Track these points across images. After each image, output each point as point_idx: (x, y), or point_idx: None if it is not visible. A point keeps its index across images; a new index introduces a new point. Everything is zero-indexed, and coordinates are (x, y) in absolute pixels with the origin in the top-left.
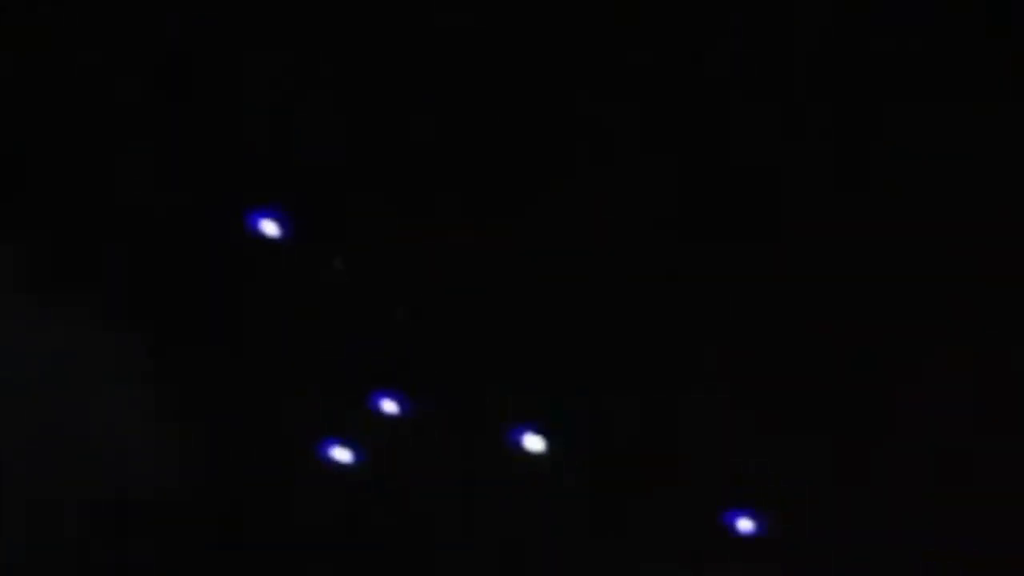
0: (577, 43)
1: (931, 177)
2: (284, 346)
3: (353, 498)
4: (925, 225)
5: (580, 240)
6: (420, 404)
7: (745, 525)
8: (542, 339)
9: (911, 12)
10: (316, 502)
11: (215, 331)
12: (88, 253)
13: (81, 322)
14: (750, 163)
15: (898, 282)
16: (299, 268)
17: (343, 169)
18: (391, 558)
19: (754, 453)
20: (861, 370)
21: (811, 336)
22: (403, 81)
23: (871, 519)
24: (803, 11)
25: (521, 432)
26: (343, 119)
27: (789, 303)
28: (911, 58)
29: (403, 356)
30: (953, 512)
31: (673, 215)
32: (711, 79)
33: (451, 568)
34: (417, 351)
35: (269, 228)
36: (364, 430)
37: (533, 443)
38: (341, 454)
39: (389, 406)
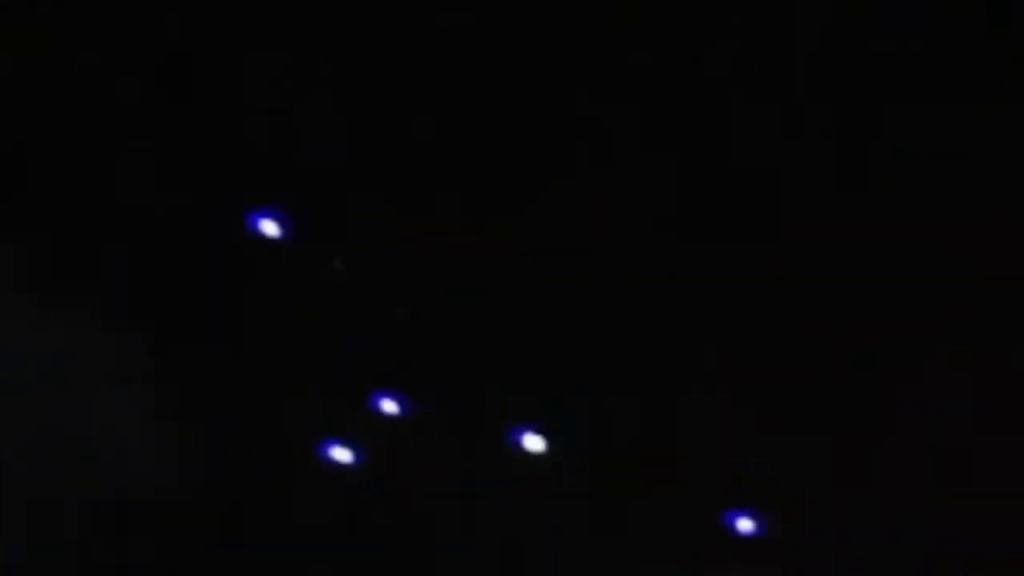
0: (577, 43)
1: (931, 177)
2: (284, 346)
3: (353, 498)
4: (925, 225)
5: (580, 240)
6: (420, 404)
7: (745, 525)
8: (542, 339)
9: (911, 12)
10: (316, 502)
11: (215, 331)
12: (88, 253)
13: (81, 322)
14: (750, 163)
15: (898, 282)
16: (299, 268)
17: (343, 169)
18: (391, 558)
19: (754, 453)
20: (861, 370)
21: (811, 336)
22: (403, 81)
23: (871, 519)
24: (803, 11)
25: (521, 432)
26: (343, 119)
27: (789, 303)
28: (911, 58)
29: (403, 356)
30: (953, 512)
31: (673, 215)
32: (711, 79)
33: (451, 568)
34: (417, 351)
35: (269, 228)
36: (364, 430)
37: (533, 443)
38: (341, 454)
39: (389, 406)
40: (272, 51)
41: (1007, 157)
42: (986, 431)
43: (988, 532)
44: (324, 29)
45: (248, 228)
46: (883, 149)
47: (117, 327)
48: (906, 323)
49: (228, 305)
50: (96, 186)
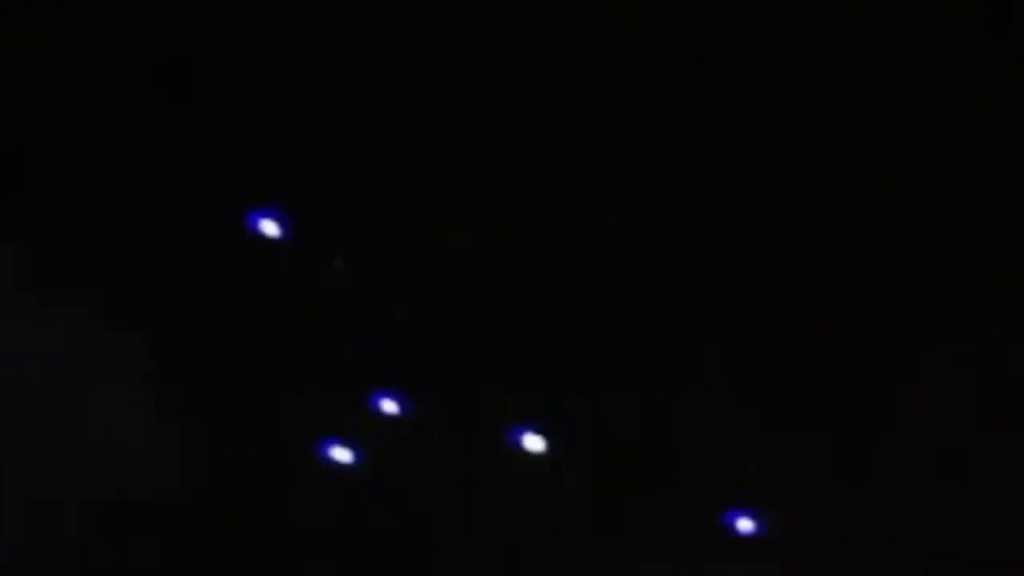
0: (577, 43)
1: (931, 177)
2: (284, 346)
3: (353, 498)
4: (925, 225)
5: (580, 240)
6: (420, 404)
7: (745, 525)
8: (542, 339)
9: (911, 12)
10: (316, 502)
11: (215, 331)
12: (88, 253)
13: (81, 322)
14: (750, 163)
15: (898, 282)
16: (299, 268)
17: (343, 169)
18: (391, 558)
19: (754, 453)
20: (861, 370)
21: (811, 336)
22: (403, 81)
23: (871, 519)
24: (803, 11)
25: (521, 432)
26: (343, 119)
27: (789, 303)
28: (911, 58)
29: (403, 356)
30: (953, 512)
31: (673, 215)
32: (711, 79)
33: (451, 568)
34: (417, 351)
35: (269, 228)
36: (364, 430)
37: (533, 443)
38: (341, 454)
39: (389, 406)
40: (272, 51)
41: (1007, 157)
42: (986, 431)
43: (988, 532)
44: (324, 29)
45: (248, 228)
46: (883, 149)
47: (117, 327)
48: (906, 323)
49: (228, 305)
50: (96, 186)
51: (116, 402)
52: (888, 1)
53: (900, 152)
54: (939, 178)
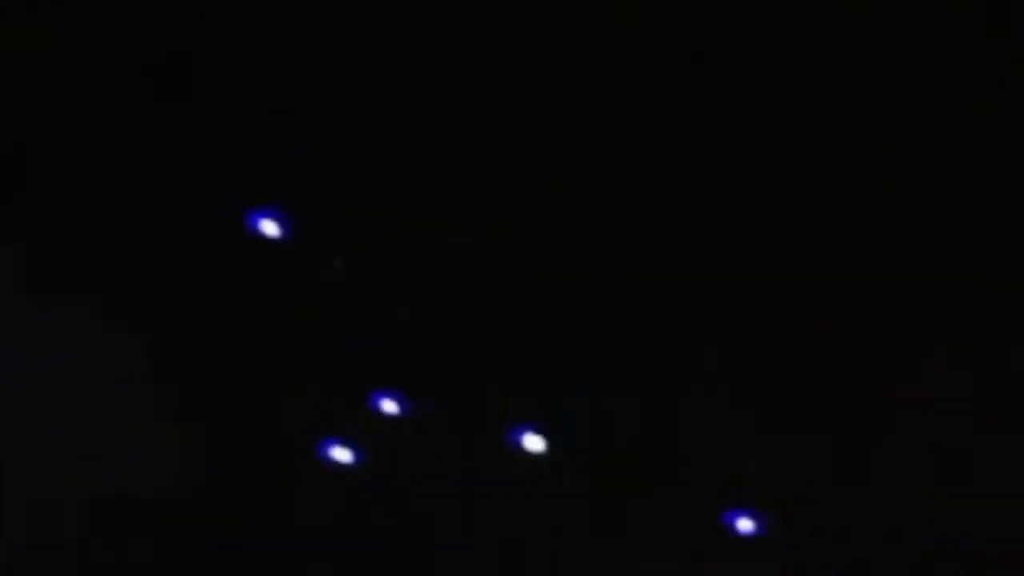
0: (577, 43)
1: (931, 177)
2: (284, 346)
3: (353, 498)
4: (925, 225)
5: (580, 240)
6: (420, 404)
7: (745, 525)
8: (542, 339)
9: (911, 12)
10: (316, 502)
11: (215, 331)
12: (88, 253)
13: (81, 322)
14: (750, 163)
15: (898, 282)
16: (299, 268)
17: (343, 169)
18: (391, 558)
19: (754, 453)
20: (861, 370)
21: (811, 336)
22: (403, 81)
23: (871, 519)
24: (803, 11)
25: (521, 432)
26: (343, 119)
27: (789, 303)
28: (911, 58)
29: (403, 356)
30: (953, 512)
31: (673, 215)
32: (711, 79)
33: (451, 568)
34: (417, 351)
35: (269, 228)
36: (364, 430)
37: (533, 443)
38: (341, 454)
39: (389, 406)
40: (272, 51)
41: (1007, 157)
42: (986, 431)
43: (988, 532)
44: (324, 29)
45: (248, 228)
46: (883, 149)
47: (117, 327)
48: (906, 323)
49: (228, 305)
50: (96, 186)
51: (116, 402)
52: (888, 1)
53: (900, 152)
54: (939, 178)
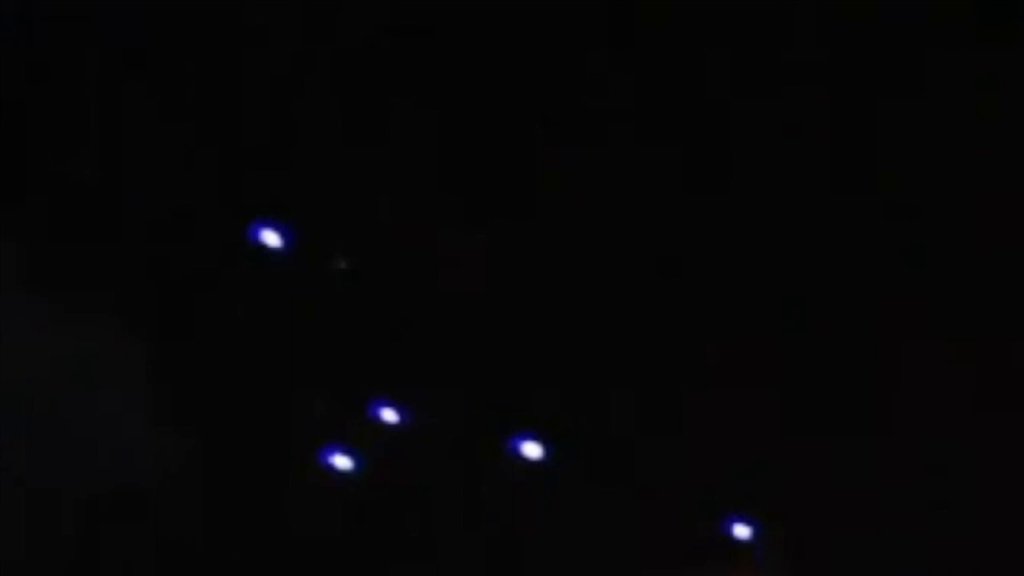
0: (577, 43)
1: (931, 177)
2: (285, 352)
3: (352, 505)
4: (925, 225)
5: (580, 240)
6: (420, 411)
7: (743, 529)
8: (542, 339)
9: (911, 12)
10: (315, 509)
11: (215, 336)
12: (91, 254)
13: (83, 324)
14: (750, 163)
15: (898, 282)
16: (300, 271)
17: (343, 169)
18: (390, 564)
19: (754, 454)
20: (861, 370)
21: (811, 336)
22: (403, 81)
23: (871, 519)
24: (803, 11)
25: (521, 438)
26: (343, 119)
27: (789, 303)
28: (911, 58)
29: (403, 363)
30: (953, 512)
31: (673, 215)
32: (711, 79)
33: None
34: (417, 357)
35: (270, 232)
36: (364, 438)
37: (532, 449)
38: (341, 461)
39: (389, 414)
40: (272, 51)
41: (1007, 157)
42: (987, 432)
43: (988, 532)
44: (324, 29)
45: (250, 231)
46: (883, 149)
47: (118, 330)
48: (906, 323)
49: (229, 309)
50: (97, 186)
51: (117, 404)
52: (888, 1)
53: (900, 152)
54: (939, 178)
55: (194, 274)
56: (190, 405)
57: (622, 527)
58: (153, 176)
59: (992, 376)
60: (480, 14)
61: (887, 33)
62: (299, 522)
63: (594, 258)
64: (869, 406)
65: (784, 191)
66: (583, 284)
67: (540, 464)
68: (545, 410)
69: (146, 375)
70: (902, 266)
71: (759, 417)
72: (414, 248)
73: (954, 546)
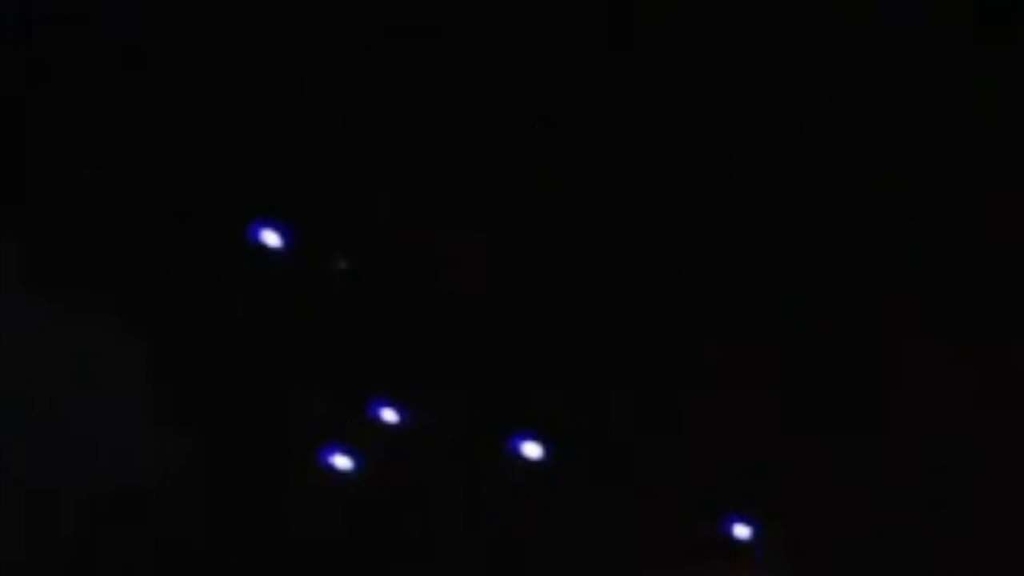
0: (577, 43)
1: (931, 177)
2: (285, 352)
3: (352, 506)
4: (925, 225)
5: (580, 240)
6: (420, 411)
7: (743, 529)
8: (542, 339)
9: (911, 12)
10: (315, 509)
11: (215, 336)
12: (91, 254)
13: (83, 324)
14: (750, 163)
15: (898, 282)
16: (300, 271)
17: (343, 169)
18: (390, 564)
19: (754, 454)
20: (861, 370)
21: (811, 336)
22: (403, 81)
23: (871, 519)
24: (803, 11)
25: (521, 438)
26: (343, 119)
27: (789, 303)
28: (911, 58)
29: (403, 363)
30: (953, 512)
31: (673, 215)
32: (711, 79)
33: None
34: (417, 357)
35: (270, 233)
36: (364, 438)
37: (532, 450)
38: (341, 462)
39: (389, 414)
40: (272, 51)
41: (1008, 156)
42: (988, 432)
43: (988, 532)
44: (324, 29)
45: (250, 232)
46: (883, 149)
47: (118, 330)
48: (906, 323)
49: (229, 309)
50: (98, 187)
51: (116, 407)
52: (888, 1)
53: (900, 152)
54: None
55: (194, 274)
56: (190, 405)
57: (622, 527)
58: (153, 176)
59: (992, 376)
60: (480, 14)
61: (887, 33)
62: (299, 522)
63: (594, 258)
64: (869, 406)
65: (784, 191)
66: (583, 284)
67: (540, 464)
68: (545, 410)
69: (146, 375)
70: (902, 266)
71: (759, 417)
72: (414, 248)
73: (954, 546)
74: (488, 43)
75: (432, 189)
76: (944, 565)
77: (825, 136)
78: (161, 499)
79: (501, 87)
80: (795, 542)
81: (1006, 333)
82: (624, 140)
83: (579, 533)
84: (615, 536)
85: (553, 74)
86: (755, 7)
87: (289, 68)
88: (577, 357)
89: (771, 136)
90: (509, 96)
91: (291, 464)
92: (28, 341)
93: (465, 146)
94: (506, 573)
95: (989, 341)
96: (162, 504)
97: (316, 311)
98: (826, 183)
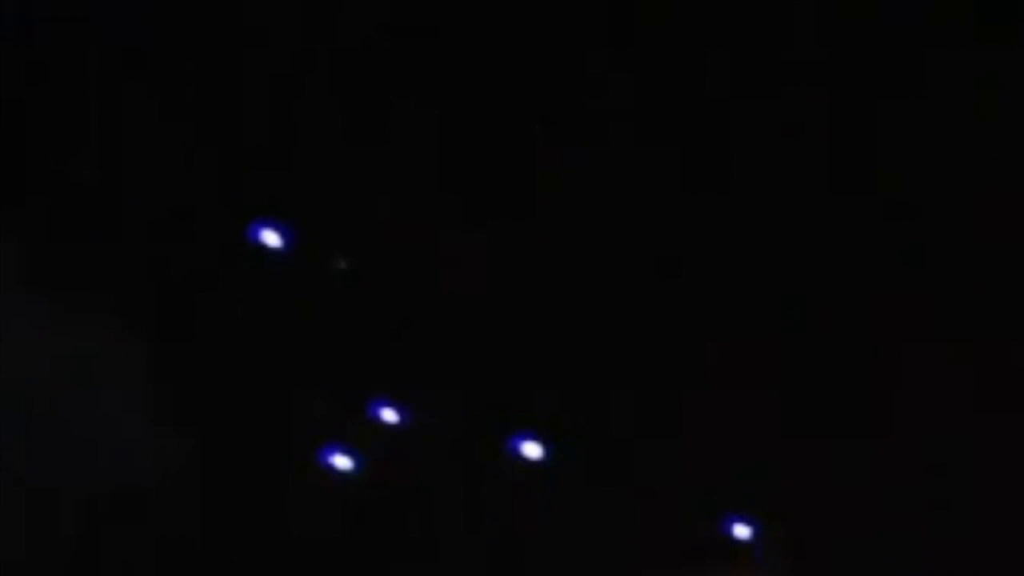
0: (577, 43)
1: (931, 177)
2: (284, 352)
3: (352, 506)
4: (925, 225)
5: (580, 240)
6: (420, 411)
7: (743, 529)
8: (542, 339)
9: (911, 12)
10: (315, 509)
11: (215, 336)
12: (91, 254)
13: (83, 324)
14: (750, 163)
15: (898, 282)
16: (300, 271)
17: (343, 169)
18: (390, 564)
19: (754, 454)
20: (861, 370)
21: (811, 336)
22: (403, 81)
23: (871, 519)
24: (803, 11)
25: (521, 438)
26: (343, 119)
27: (789, 303)
28: (911, 58)
29: (403, 363)
30: (953, 512)
31: (673, 215)
32: (711, 79)
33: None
34: (417, 357)
35: (270, 233)
36: (364, 438)
37: (532, 450)
38: (341, 462)
39: (389, 414)
40: (272, 51)
41: (1007, 157)
42: (987, 432)
43: (988, 532)
44: (324, 29)
45: (250, 232)
46: (883, 149)
47: (118, 330)
48: (907, 324)
49: (229, 309)
50: (98, 188)
51: (116, 407)
52: (888, 1)
53: (900, 152)
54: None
55: (194, 274)
56: (190, 405)
57: (622, 527)
58: (153, 176)
59: (992, 376)
60: (480, 14)
61: (887, 33)
62: (299, 522)
63: (594, 258)
64: (869, 406)
65: (784, 191)
66: (583, 284)
67: (540, 464)
68: (545, 410)
69: (146, 375)
70: (902, 266)
71: (759, 417)
72: (414, 248)
73: (954, 546)
74: (488, 43)
75: (432, 189)
76: (944, 565)
77: (825, 136)
78: (161, 499)
79: (501, 87)
80: (795, 542)
81: (1006, 333)
82: (624, 140)
83: (579, 533)
84: (615, 536)
85: (553, 74)
86: (755, 7)
87: (289, 68)
88: (577, 357)
89: (771, 136)
90: (509, 96)
91: (291, 464)
92: (28, 341)
93: (465, 146)
94: (506, 573)
95: (989, 341)
96: (162, 504)
97: (316, 311)
98: (826, 183)
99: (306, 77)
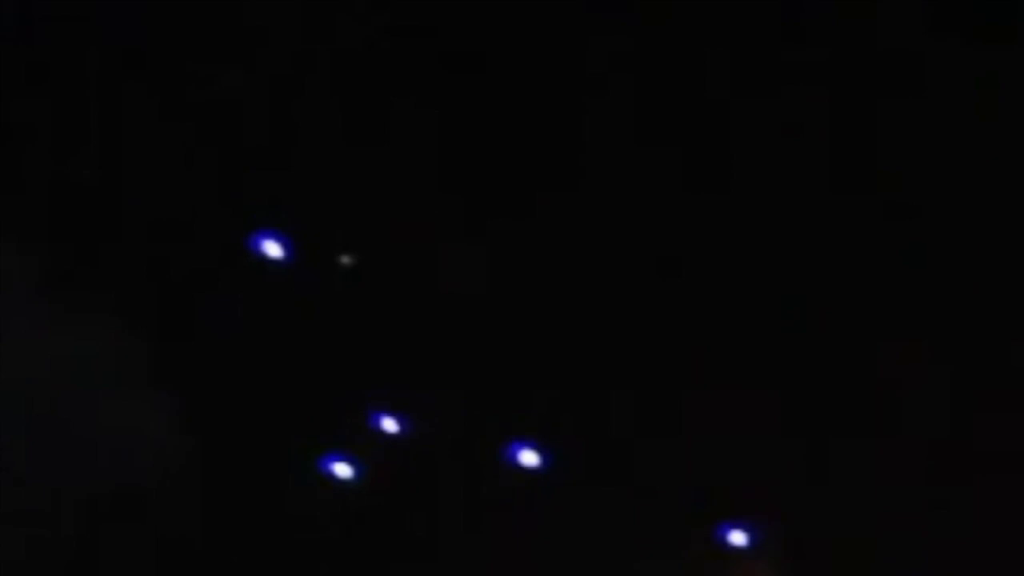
0: (577, 42)
1: (931, 177)
2: (285, 353)
3: (352, 506)
4: (925, 225)
5: (580, 241)
6: (419, 415)
7: (743, 530)
8: (542, 341)
9: (911, 12)
10: (315, 509)
11: (216, 336)
12: (91, 254)
13: (83, 324)
14: (750, 163)
15: (898, 282)
16: (300, 272)
17: (343, 170)
18: (390, 564)
19: (754, 454)
20: (861, 370)
21: (811, 336)
22: (403, 81)
23: (871, 519)
24: (803, 11)
25: (520, 442)
26: (343, 119)
27: (789, 303)
28: (911, 58)
29: (403, 366)
30: (953, 512)
31: (673, 215)
32: (711, 79)
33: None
34: (417, 361)
35: (270, 235)
36: (364, 443)
37: (531, 454)
38: (341, 466)
39: (388, 421)
40: (272, 51)
41: (1007, 157)
42: (987, 432)
43: (988, 532)
44: (324, 29)
45: (251, 235)
46: (883, 149)
47: (118, 330)
48: (906, 323)
49: (229, 310)
50: (99, 189)
51: (116, 407)
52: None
53: (900, 152)
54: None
55: (194, 274)
56: (190, 405)
57: (622, 527)
58: (153, 176)
59: (992, 376)
60: (480, 14)
61: (887, 33)
62: (299, 523)
63: (594, 259)
64: (869, 406)
65: (784, 191)
66: (583, 285)
67: (539, 466)
68: (545, 411)
69: (146, 375)
70: (902, 266)
71: (759, 417)
72: (414, 249)
73: (954, 546)
74: (488, 43)
75: (432, 190)
76: (944, 565)
77: (825, 136)
78: (161, 499)
79: (501, 87)
80: (795, 542)
81: (1006, 333)
82: (624, 140)
83: (579, 534)
84: (615, 537)
85: (553, 74)
86: (755, 7)
87: (289, 68)
88: (577, 358)
89: (771, 136)
90: (509, 96)
91: (291, 464)
92: (28, 341)
93: (465, 146)
94: (506, 574)
95: (989, 341)
96: (162, 504)
97: (316, 312)
98: (826, 183)
99: (306, 77)
